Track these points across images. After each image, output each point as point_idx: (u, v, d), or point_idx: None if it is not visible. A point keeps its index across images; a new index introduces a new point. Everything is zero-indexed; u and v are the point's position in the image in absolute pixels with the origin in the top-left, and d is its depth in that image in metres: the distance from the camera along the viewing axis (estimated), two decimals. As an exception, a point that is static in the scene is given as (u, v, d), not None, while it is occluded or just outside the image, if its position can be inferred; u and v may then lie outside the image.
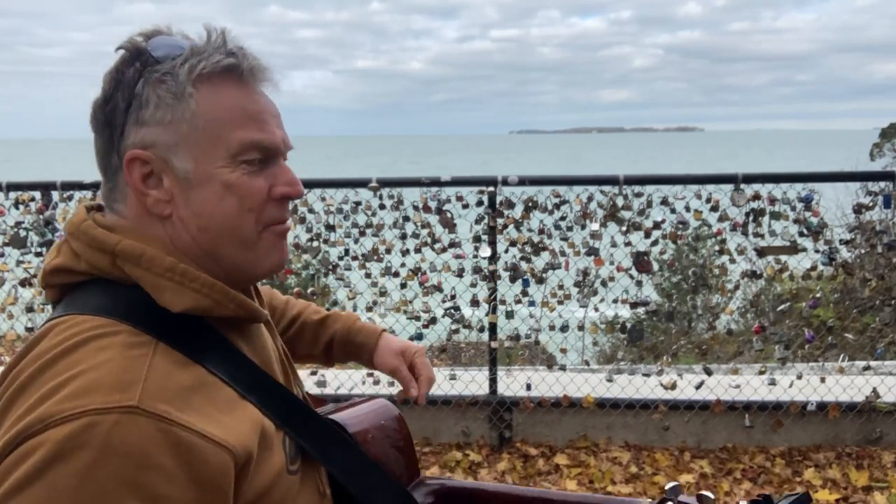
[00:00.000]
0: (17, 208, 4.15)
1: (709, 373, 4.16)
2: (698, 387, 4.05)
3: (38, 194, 4.14)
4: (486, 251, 3.93)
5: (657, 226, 3.81)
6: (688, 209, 3.78)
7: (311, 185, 4.03)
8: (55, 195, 4.12)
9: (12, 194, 4.14)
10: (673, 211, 3.78)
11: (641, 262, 3.80)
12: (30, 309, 4.28)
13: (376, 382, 4.31)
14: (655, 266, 3.89)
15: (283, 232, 0.97)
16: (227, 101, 0.89)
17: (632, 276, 3.87)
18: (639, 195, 3.77)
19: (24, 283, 4.20)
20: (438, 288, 4.09)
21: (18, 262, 4.17)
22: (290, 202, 0.98)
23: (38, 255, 4.16)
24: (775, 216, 3.65)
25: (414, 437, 4.52)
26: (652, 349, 4.62)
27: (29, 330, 4.32)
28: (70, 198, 4.14)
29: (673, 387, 4.06)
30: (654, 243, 3.84)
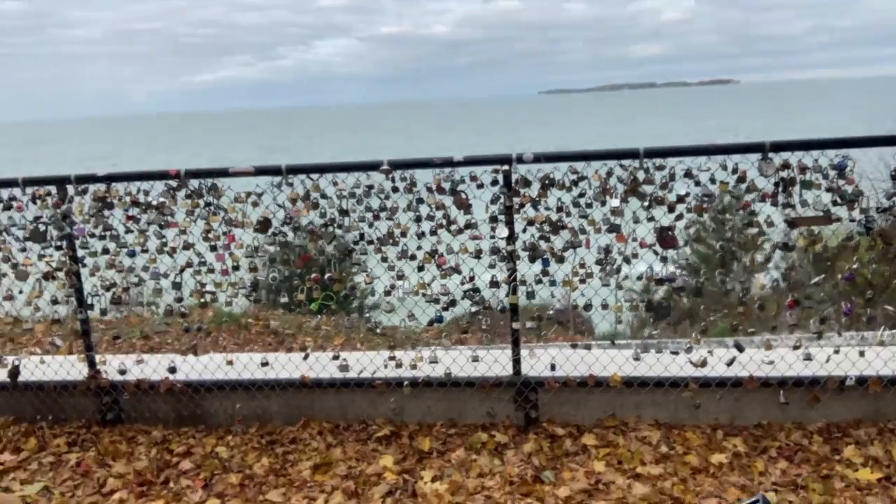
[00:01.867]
0: (35, 203, 4.19)
1: (740, 349, 4.01)
2: (730, 363, 3.91)
3: (54, 189, 4.16)
4: (503, 231, 3.81)
5: (681, 199, 3.63)
6: (713, 181, 3.59)
7: (320, 170, 3.93)
8: (70, 189, 4.14)
9: (29, 189, 4.18)
10: (697, 184, 3.59)
11: (666, 237, 3.64)
12: (55, 301, 4.34)
13: (399, 365, 4.26)
14: (681, 241, 3.72)
15: None
16: None
17: (656, 253, 3.72)
18: (660, 168, 3.59)
19: (48, 276, 4.25)
20: (456, 270, 3.99)
21: (40, 256, 4.24)
22: None
23: (59, 248, 4.23)
24: (806, 185, 3.45)
25: (439, 418, 4.43)
26: (680, 325, 4.47)
27: (55, 322, 4.40)
28: (85, 191, 4.15)
29: (703, 364, 3.92)
30: (679, 218, 3.66)
